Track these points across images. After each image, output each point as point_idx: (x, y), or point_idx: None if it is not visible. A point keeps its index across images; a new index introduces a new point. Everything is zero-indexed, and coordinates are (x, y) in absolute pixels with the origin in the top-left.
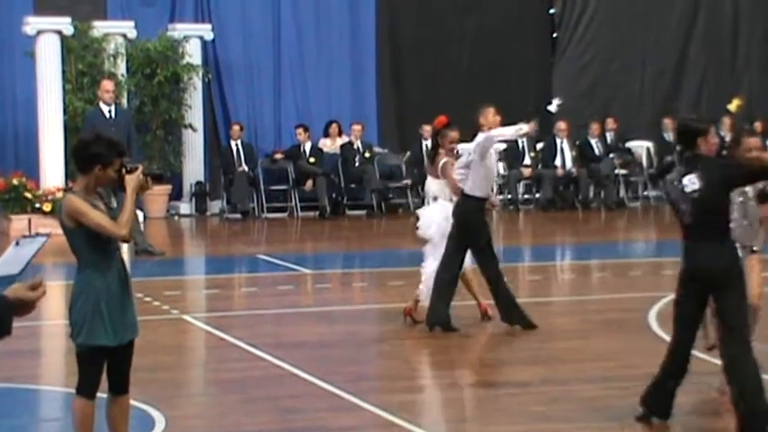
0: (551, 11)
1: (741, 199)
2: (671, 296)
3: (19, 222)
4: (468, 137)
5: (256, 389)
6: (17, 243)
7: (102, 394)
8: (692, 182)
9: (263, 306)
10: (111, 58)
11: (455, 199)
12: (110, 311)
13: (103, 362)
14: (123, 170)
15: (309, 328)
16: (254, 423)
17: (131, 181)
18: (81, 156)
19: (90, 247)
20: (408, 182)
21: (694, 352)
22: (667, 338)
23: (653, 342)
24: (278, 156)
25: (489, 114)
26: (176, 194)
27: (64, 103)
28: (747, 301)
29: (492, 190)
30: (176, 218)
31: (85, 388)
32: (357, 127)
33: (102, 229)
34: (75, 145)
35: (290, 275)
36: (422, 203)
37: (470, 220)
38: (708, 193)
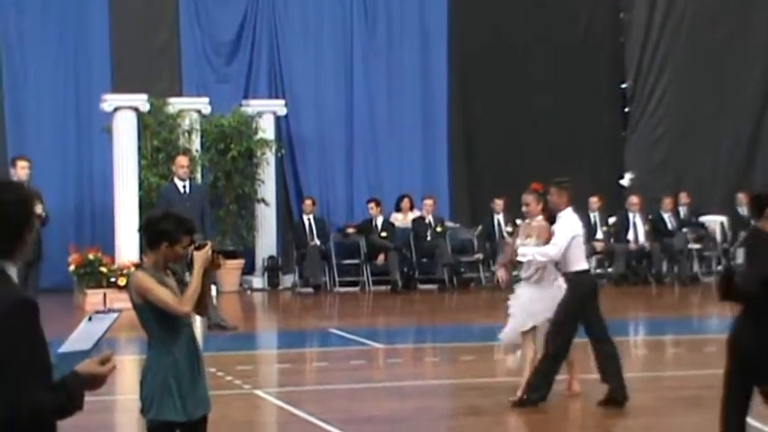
0: (623, 85)
1: None
2: None
3: (94, 297)
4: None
5: None
6: (90, 318)
7: None
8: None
9: (335, 381)
10: (186, 134)
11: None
12: (179, 387)
13: None
14: (192, 247)
15: (381, 403)
16: None
17: (199, 258)
18: (149, 232)
19: (158, 322)
20: (480, 256)
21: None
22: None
23: None
24: (350, 230)
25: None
26: (249, 269)
27: (139, 179)
28: None
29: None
30: (249, 292)
31: None
32: (429, 201)
33: (165, 306)
34: (144, 221)
35: (361, 350)
36: (492, 277)
37: None
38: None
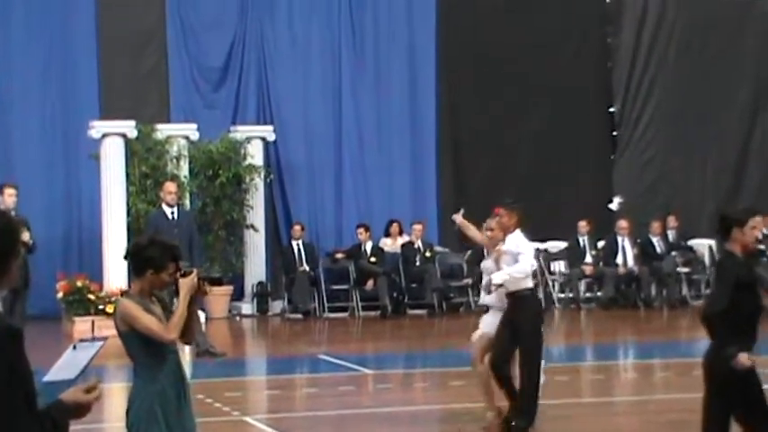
0: (611, 109)
1: None
2: None
3: (82, 324)
4: (532, 236)
5: None
6: (75, 347)
7: None
8: None
9: (325, 407)
10: (174, 160)
11: None
12: (165, 415)
13: None
14: (178, 274)
15: (370, 429)
16: None
17: (185, 285)
18: (135, 259)
19: (143, 350)
20: (470, 281)
21: None
22: None
23: None
24: (339, 255)
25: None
26: (238, 295)
27: (127, 205)
28: None
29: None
30: (238, 318)
31: None
32: (418, 226)
33: (151, 333)
34: (130, 248)
35: (351, 376)
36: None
37: None
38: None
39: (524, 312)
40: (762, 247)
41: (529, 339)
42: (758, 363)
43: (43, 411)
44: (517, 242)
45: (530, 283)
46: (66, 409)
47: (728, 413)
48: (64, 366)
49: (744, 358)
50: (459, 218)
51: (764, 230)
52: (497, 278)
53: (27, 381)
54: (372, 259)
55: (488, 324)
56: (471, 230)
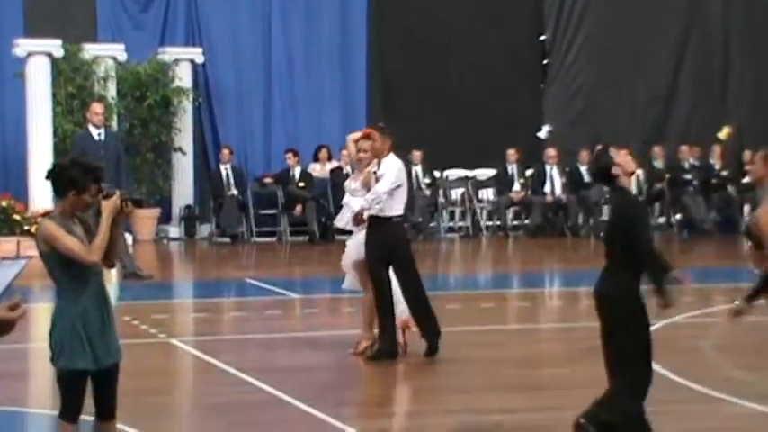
0: (542, 37)
1: None
2: (657, 323)
3: (8, 245)
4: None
5: (243, 413)
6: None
7: (90, 418)
8: None
9: (251, 330)
10: (102, 81)
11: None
12: (88, 336)
13: (84, 386)
14: (100, 195)
15: (297, 353)
16: None
17: (107, 206)
18: (56, 180)
19: (65, 271)
20: None
21: None
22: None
23: None
24: (267, 180)
25: None
26: (165, 218)
27: (53, 126)
28: None
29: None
30: (165, 241)
31: (67, 412)
32: (346, 152)
33: (72, 254)
34: (51, 169)
35: (278, 300)
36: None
37: None
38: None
39: (387, 236)
40: (688, 176)
41: (401, 260)
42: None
43: None
44: (388, 165)
45: (398, 211)
46: None
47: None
48: None
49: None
50: (351, 136)
51: (692, 161)
52: (355, 205)
53: None
54: (301, 184)
55: (353, 248)
56: (351, 147)
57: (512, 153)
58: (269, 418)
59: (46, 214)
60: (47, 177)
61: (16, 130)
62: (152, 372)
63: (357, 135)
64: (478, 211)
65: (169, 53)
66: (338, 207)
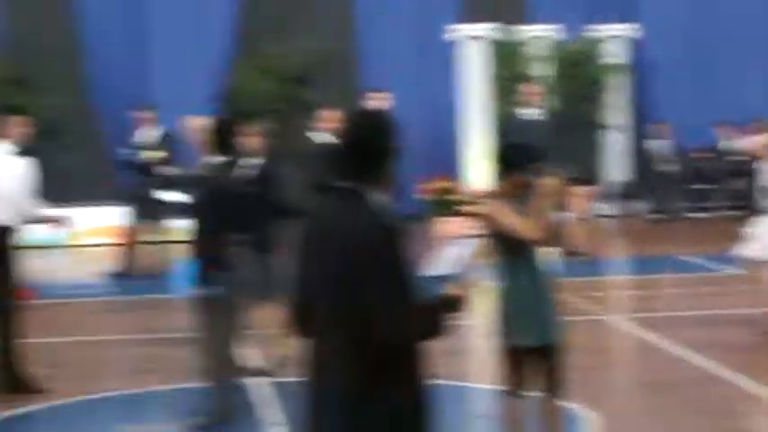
0: None
1: None
2: None
3: (448, 225)
4: None
5: (688, 391)
6: (451, 245)
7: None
8: None
9: (687, 308)
10: (536, 62)
11: None
12: (524, 313)
13: (523, 361)
14: (538, 175)
15: (733, 329)
16: (689, 426)
17: (546, 186)
18: (499, 162)
19: (505, 249)
20: None
21: None
22: None
23: None
24: (699, 155)
25: None
26: (600, 195)
27: (488, 108)
28: None
29: None
30: (600, 218)
31: (509, 386)
32: None
33: (516, 233)
34: (496, 151)
35: (707, 276)
36: None
37: None
38: None
39: None
40: None
41: None
42: None
43: (424, 306)
44: None
45: None
46: (444, 305)
47: None
48: (442, 262)
49: None
50: None
51: None
52: None
53: (409, 275)
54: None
55: None
56: None
57: None
58: (715, 395)
59: (489, 194)
60: (492, 160)
61: (449, 112)
62: (591, 349)
63: None
64: None
65: (601, 30)
66: None
